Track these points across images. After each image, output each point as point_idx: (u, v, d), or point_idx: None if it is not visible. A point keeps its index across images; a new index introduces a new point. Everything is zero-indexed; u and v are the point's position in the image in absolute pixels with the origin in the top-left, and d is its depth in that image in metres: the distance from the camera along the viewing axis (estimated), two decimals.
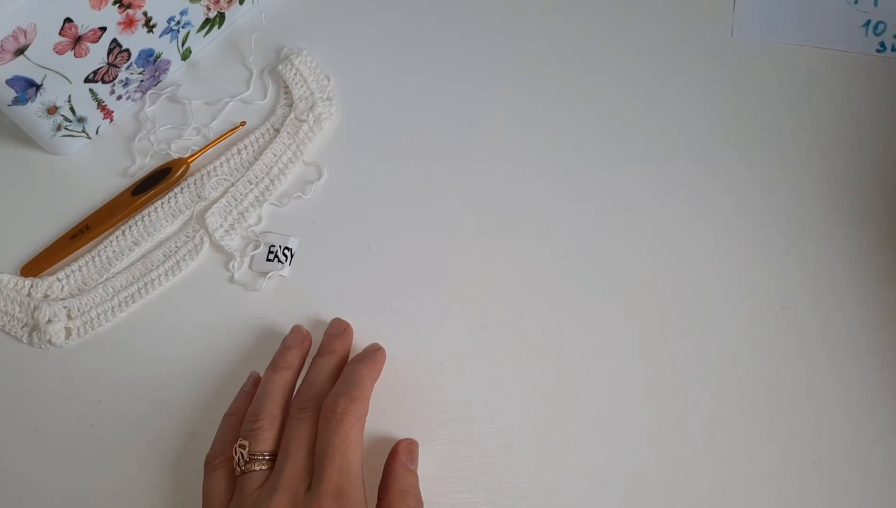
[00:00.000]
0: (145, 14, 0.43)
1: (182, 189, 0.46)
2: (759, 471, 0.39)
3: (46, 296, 0.43)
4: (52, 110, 0.43)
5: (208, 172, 0.46)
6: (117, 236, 0.44)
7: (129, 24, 0.43)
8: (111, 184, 0.46)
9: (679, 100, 0.47)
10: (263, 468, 0.35)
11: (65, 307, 0.42)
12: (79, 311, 0.43)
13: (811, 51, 0.48)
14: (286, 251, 0.44)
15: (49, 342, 0.42)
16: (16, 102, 0.41)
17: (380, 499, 0.36)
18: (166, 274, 0.43)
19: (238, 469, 0.35)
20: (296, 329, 0.41)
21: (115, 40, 0.43)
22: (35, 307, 0.42)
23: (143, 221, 0.45)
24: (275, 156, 0.46)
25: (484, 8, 0.50)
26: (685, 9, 0.50)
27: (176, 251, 0.44)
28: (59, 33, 0.39)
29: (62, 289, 0.43)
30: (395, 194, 0.45)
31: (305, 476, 0.34)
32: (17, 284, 0.43)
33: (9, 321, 0.42)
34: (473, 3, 0.50)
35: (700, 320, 0.42)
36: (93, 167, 0.46)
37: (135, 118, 0.48)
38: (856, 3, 0.49)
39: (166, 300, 0.43)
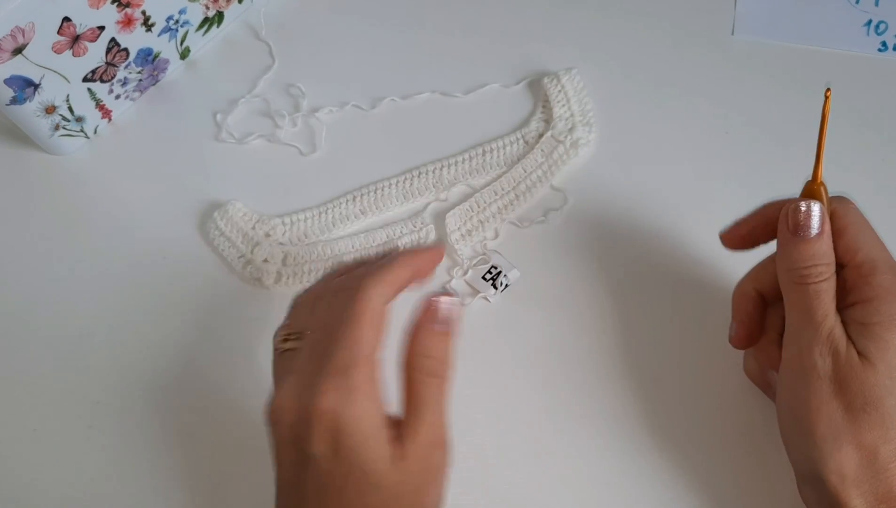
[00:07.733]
0: (144, 13, 0.43)
1: (420, 172, 0.45)
2: None
3: (268, 235, 0.43)
4: (50, 110, 0.43)
5: (448, 164, 0.45)
6: (346, 200, 0.44)
7: (127, 23, 0.42)
8: (112, 184, 0.45)
9: (680, 99, 0.47)
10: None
11: (283, 252, 0.42)
12: (294, 261, 0.42)
13: (812, 50, 0.48)
14: (504, 278, 0.42)
15: (259, 280, 0.42)
16: (14, 101, 0.41)
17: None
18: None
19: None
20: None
21: (113, 39, 0.42)
22: (256, 243, 0.42)
23: (375, 193, 0.44)
24: (525, 172, 0.44)
25: None
26: (686, 7, 0.50)
27: (398, 238, 0.43)
28: (58, 32, 0.39)
29: (283, 234, 0.43)
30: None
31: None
32: (245, 214, 0.43)
33: (228, 247, 0.43)
34: None
35: (702, 323, 0.42)
36: (91, 167, 0.46)
37: None
38: (857, 2, 0.49)
39: (167, 301, 0.43)
